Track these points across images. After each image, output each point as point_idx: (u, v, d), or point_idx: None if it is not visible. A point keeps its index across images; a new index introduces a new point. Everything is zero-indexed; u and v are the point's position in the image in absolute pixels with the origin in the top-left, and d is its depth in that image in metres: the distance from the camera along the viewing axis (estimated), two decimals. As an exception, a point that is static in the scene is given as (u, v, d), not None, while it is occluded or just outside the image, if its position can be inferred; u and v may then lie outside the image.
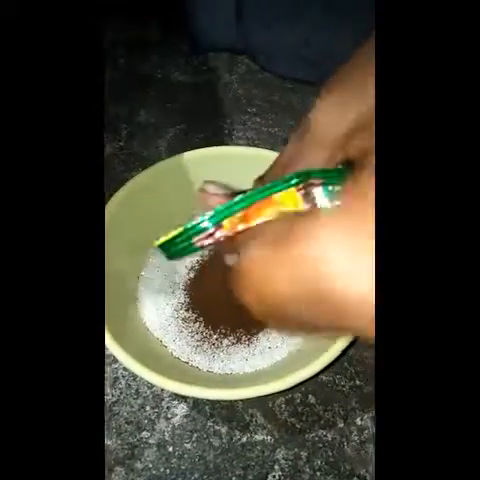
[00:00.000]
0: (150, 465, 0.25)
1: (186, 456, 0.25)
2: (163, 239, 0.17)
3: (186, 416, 0.26)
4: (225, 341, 0.28)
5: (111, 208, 0.27)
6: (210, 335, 0.28)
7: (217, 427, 0.26)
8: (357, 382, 0.28)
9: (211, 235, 0.16)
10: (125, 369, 0.28)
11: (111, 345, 0.23)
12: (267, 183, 0.15)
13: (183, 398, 0.27)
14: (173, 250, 0.17)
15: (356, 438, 0.26)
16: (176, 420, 0.26)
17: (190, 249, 0.17)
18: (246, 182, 0.31)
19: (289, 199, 0.15)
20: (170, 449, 0.25)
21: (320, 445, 0.26)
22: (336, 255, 0.11)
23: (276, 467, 0.25)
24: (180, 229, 0.16)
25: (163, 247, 0.18)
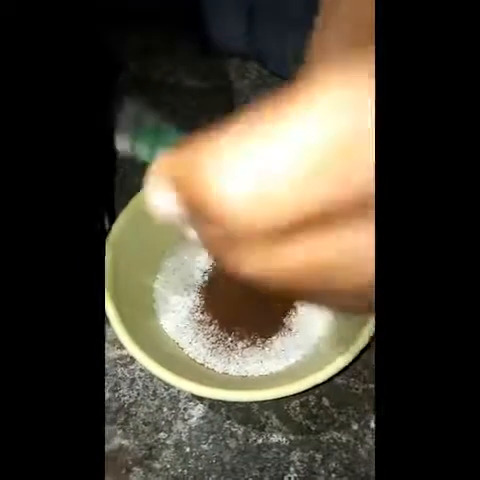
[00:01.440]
0: (168, 465, 0.25)
1: (203, 457, 0.26)
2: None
3: (203, 418, 0.27)
4: (240, 344, 0.28)
5: (127, 212, 0.28)
6: (225, 338, 0.29)
7: (233, 429, 0.26)
8: (370, 385, 0.28)
9: None
10: (142, 370, 0.28)
11: (130, 346, 0.24)
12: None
13: (199, 400, 0.27)
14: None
15: (370, 441, 0.26)
16: (193, 421, 0.27)
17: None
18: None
19: None
20: (187, 450, 0.26)
21: (335, 447, 0.26)
22: None
23: (291, 469, 0.26)
24: None
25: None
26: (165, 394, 0.27)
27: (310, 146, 0.10)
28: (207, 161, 0.11)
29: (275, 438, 0.26)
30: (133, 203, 0.28)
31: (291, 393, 0.23)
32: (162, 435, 0.26)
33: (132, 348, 0.23)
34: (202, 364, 0.28)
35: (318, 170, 0.10)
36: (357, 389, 0.28)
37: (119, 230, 0.27)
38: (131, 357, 0.28)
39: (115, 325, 0.24)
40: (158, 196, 0.13)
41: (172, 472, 0.25)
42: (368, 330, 0.24)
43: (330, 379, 0.26)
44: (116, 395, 0.27)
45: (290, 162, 0.10)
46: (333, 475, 0.25)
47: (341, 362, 0.24)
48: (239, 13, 0.41)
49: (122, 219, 0.28)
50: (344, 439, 0.26)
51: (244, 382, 0.27)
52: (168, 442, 0.26)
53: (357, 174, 0.10)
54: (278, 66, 0.42)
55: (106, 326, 0.29)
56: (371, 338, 0.24)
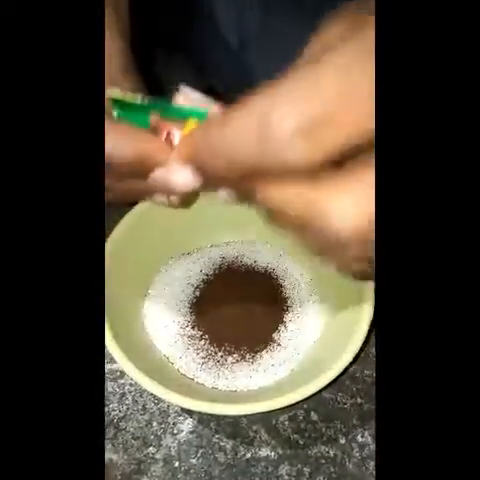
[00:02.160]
0: (156, 480, 0.26)
1: (192, 471, 0.26)
2: (118, 96, 0.18)
3: (192, 432, 0.27)
4: (229, 358, 0.29)
5: (119, 229, 0.28)
6: (215, 352, 0.29)
7: (222, 443, 0.27)
8: (358, 400, 0.28)
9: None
10: (132, 385, 0.28)
11: (121, 360, 0.24)
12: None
13: (189, 414, 0.27)
14: (126, 113, 0.18)
15: (357, 454, 0.27)
16: (182, 436, 0.27)
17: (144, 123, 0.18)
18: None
19: None
20: (176, 464, 0.26)
21: (322, 461, 0.26)
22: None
23: (280, 483, 0.26)
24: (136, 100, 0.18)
25: (116, 103, 0.19)
26: (154, 409, 0.28)
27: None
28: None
29: (264, 452, 0.27)
30: (125, 220, 0.29)
31: (279, 407, 0.23)
32: (151, 449, 0.26)
33: (124, 362, 0.24)
34: (192, 379, 0.28)
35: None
36: (345, 403, 0.28)
37: (112, 245, 0.28)
38: (121, 371, 0.29)
39: (107, 339, 0.24)
40: (180, 172, 0.17)
41: (161, 487, 0.25)
42: (354, 345, 0.25)
43: (318, 393, 0.26)
44: (106, 409, 0.27)
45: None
46: (321, 489, 0.26)
47: (328, 376, 0.24)
48: (231, 41, 0.43)
49: (114, 235, 0.28)
50: (332, 453, 0.27)
51: (233, 396, 0.27)
52: (157, 456, 0.26)
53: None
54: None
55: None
56: (357, 353, 0.25)
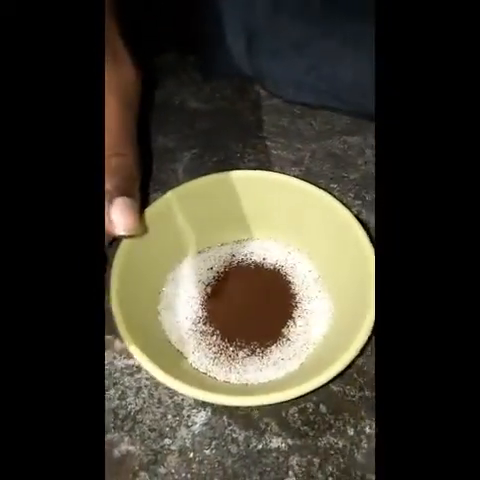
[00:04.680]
0: (172, 470, 0.27)
1: (206, 462, 0.27)
2: None
3: (205, 424, 0.28)
4: (240, 353, 0.30)
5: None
6: (227, 347, 0.30)
7: (235, 435, 0.28)
8: (366, 392, 0.29)
9: None
10: (147, 379, 0.29)
11: (138, 356, 0.25)
12: None
13: (202, 407, 0.28)
14: None
15: (366, 445, 0.28)
16: (196, 428, 0.28)
17: None
18: (255, 202, 0.33)
19: None
20: (191, 455, 0.27)
21: (332, 452, 0.27)
22: None
23: (290, 473, 0.27)
24: None
25: None
26: (169, 402, 0.29)
27: None
28: None
29: (274, 443, 0.28)
30: (144, 214, 0.30)
31: (290, 398, 0.24)
32: (167, 441, 0.28)
33: (141, 357, 0.25)
34: (205, 373, 0.29)
35: None
36: (353, 396, 0.29)
37: (127, 246, 0.29)
38: (137, 366, 0.30)
39: (124, 336, 0.26)
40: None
41: (176, 476, 0.27)
42: (361, 338, 0.25)
43: (327, 386, 0.27)
44: (123, 403, 0.29)
45: None
46: (330, 478, 0.27)
47: (336, 369, 0.25)
48: (240, 36, 0.43)
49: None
50: (340, 444, 0.28)
51: (245, 389, 0.28)
52: (172, 448, 0.27)
53: None
54: (276, 86, 0.45)
55: (114, 336, 0.30)
56: (364, 346, 0.25)
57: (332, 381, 0.25)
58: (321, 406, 0.29)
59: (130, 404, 0.29)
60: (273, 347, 0.30)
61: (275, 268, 0.33)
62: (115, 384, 0.29)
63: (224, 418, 0.28)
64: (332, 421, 0.28)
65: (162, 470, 0.27)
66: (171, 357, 0.29)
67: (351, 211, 0.30)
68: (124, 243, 0.29)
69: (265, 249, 0.34)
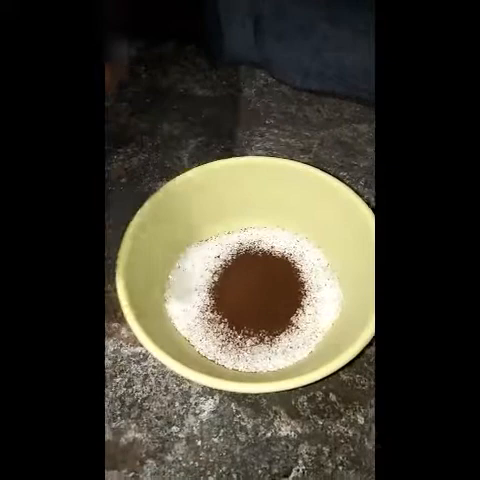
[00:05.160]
0: (180, 458, 0.26)
1: (214, 450, 0.27)
2: None
3: (213, 412, 0.28)
4: (249, 341, 0.29)
5: (142, 215, 0.29)
6: (235, 335, 0.30)
7: (243, 423, 0.27)
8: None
9: None
10: (154, 367, 0.29)
11: (146, 343, 0.25)
12: None
13: (210, 395, 0.28)
14: None
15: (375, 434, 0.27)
16: (204, 416, 0.28)
17: None
18: (263, 188, 0.33)
19: None
20: (199, 443, 0.27)
21: (342, 441, 0.27)
22: None
23: (300, 461, 0.26)
24: None
25: None
26: (177, 389, 0.28)
27: None
28: None
29: (284, 432, 0.27)
30: (144, 208, 0.29)
31: (298, 386, 0.24)
32: (174, 429, 0.27)
33: (148, 344, 0.25)
34: (212, 360, 0.29)
35: None
36: (363, 385, 0.29)
37: (137, 228, 0.28)
38: (144, 354, 0.29)
39: (131, 323, 0.25)
40: None
41: (184, 464, 0.26)
42: (371, 328, 0.25)
43: (336, 375, 0.26)
44: (130, 390, 0.28)
45: None
46: (340, 468, 0.26)
47: (345, 357, 0.24)
48: (246, 22, 0.43)
49: (135, 223, 0.29)
50: (350, 433, 0.27)
51: (253, 377, 0.28)
52: (180, 435, 0.27)
53: None
54: (283, 73, 0.44)
55: (121, 325, 0.30)
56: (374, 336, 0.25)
57: (342, 370, 0.25)
58: (331, 395, 0.28)
59: (137, 391, 0.28)
60: (282, 335, 0.30)
61: (283, 256, 0.33)
62: (122, 372, 0.29)
63: (232, 406, 0.28)
64: (342, 410, 0.28)
65: (169, 458, 0.26)
66: (179, 345, 0.29)
67: (362, 199, 0.30)
68: (130, 231, 0.28)
69: (273, 237, 0.34)
